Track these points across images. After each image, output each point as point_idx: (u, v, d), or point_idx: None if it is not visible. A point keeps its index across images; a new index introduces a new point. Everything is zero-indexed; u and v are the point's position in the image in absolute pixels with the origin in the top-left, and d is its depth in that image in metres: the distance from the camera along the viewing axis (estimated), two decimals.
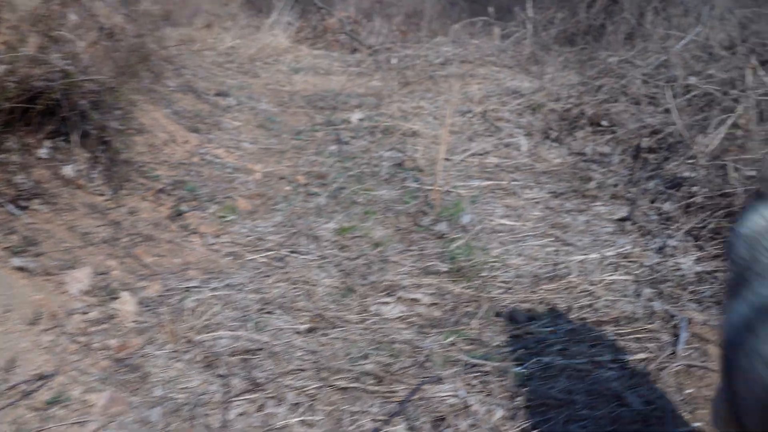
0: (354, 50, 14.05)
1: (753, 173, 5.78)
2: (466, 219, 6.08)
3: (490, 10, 14.11)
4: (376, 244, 5.68)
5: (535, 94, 9.34)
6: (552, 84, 9.54)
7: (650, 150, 7.35)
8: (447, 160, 7.47)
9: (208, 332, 4.42)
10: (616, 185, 6.74)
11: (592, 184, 6.80)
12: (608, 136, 7.79)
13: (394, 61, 10.31)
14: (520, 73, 10.94)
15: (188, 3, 20.50)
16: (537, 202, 6.54)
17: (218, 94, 9.29)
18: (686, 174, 6.17)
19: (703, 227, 5.54)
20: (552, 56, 11.61)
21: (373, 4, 21.69)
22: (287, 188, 6.67)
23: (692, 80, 8.40)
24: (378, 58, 12.48)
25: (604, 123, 8.08)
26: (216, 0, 23.60)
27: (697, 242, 5.47)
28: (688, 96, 8.05)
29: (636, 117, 7.95)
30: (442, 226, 5.98)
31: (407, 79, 10.99)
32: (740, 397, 2.23)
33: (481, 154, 7.82)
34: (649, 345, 4.37)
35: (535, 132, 8.34)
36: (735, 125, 6.39)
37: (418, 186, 6.72)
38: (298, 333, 4.51)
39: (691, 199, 5.86)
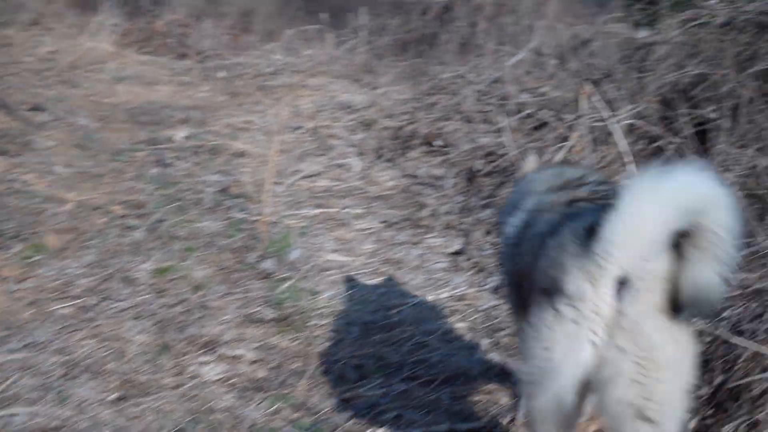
0: (183, 56, 13.39)
1: None
2: (294, 255, 5.66)
3: (323, 16, 13.70)
4: (197, 287, 5.18)
5: (368, 110, 8.99)
6: (385, 98, 9.21)
7: (484, 174, 7.08)
8: (276, 183, 7.03)
9: (1, 408, 3.86)
10: (449, 213, 6.43)
11: (426, 212, 6.47)
12: (441, 158, 7.49)
13: (222, 73, 9.75)
14: (353, 85, 10.57)
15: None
16: (369, 234, 6.17)
17: (33, 109, 8.56)
18: None
19: None
20: (385, 67, 11.30)
21: (205, 4, 20.98)
22: (102, 220, 6.07)
23: (525, 97, 8.20)
24: (207, 66, 11.91)
25: (438, 143, 7.78)
26: None
27: None
28: (521, 115, 7.83)
29: (470, 137, 7.68)
30: (268, 264, 5.54)
31: (237, 89, 10.49)
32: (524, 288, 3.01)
33: (311, 176, 7.41)
34: (487, 409, 4.04)
35: (368, 151, 7.97)
36: (570, 150, 6.15)
37: (244, 216, 6.25)
38: (105, 404, 3.99)
39: None
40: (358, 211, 6.60)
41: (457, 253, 5.76)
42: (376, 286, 5.29)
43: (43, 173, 6.80)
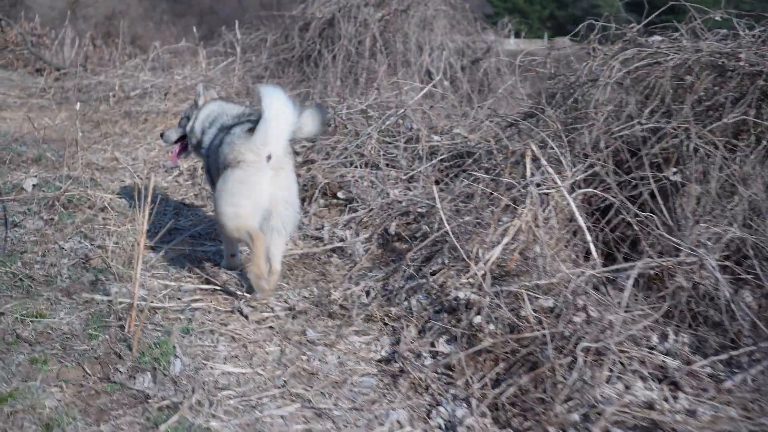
0: (39, 71, 11.59)
1: (551, 304, 4.20)
2: (177, 367, 4.14)
3: (195, 31, 12.08)
4: (48, 425, 3.61)
5: None
6: None
7: (401, 239, 5.69)
8: (151, 249, 5.50)
9: None
10: (367, 293, 5.02)
11: (338, 294, 5.02)
12: (348, 216, 6.05)
13: (82, 96, 8.07)
14: None
15: None
16: (270, 327, 4.68)
17: None
18: (461, 294, 4.49)
19: (501, 392, 3.88)
20: None
21: (64, 12, 19.07)
22: None
23: (436, 139, 6.86)
24: (65, 85, 10.16)
25: (341, 195, 6.35)
26: None
27: (497, 414, 3.81)
28: (435, 161, 6.49)
29: (378, 188, 6.28)
30: (144, 381, 4.00)
31: (100, 116, 8.82)
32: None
33: (191, 237, 5.88)
34: None
35: None
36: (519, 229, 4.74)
37: (109, 304, 4.68)
38: None
39: (477, 339, 4.19)
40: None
41: (388, 360, 4.34)
42: (289, 419, 3.81)
43: None
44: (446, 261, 4.91)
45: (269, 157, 4.51)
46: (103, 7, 24.71)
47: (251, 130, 4.53)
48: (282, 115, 4.45)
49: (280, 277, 4.89)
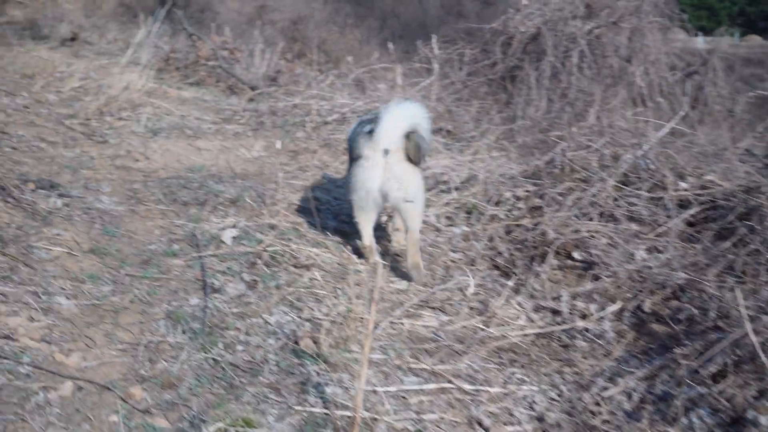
0: (230, 89, 11.05)
1: None
2: None
3: (390, 45, 11.30)
4: None
5: (466, 188, 6.57)
6: (486, 171, 6.74)
7: (660, 320, 4.67)
8: (362, 318, 4.67)
9: None
10: (629, 396, 4.03)
11: (590, 397, 4.04)
12: (591, 285, 5.06)
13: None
14: (435, 143, 8.12)
15: (55, 5, 17.13)
16: None
17: (40, 187, 6.22)
18: (763, 419, 3.44)
19: None
20: (471, 115, 8.84)
21: (251, 17, 18.83)
22: (113, 419, 3.71)
23: (684, 186, 5.79)
24: (260, 108, 9.51)
25: (578, 256, 5.36)
26: (86, 4, 20.15)
27: None
28: (686, 215, 5.42)
29: (622, 249, 5.26)
30: None
31: (297, 145, 8.11)
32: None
33: (413, 308, 5.01)
34: None
35: (480, 259, 5.58)
36: None
37: (325, 408, 3.87)
38: None
39: None
40: (494, 389, 4.18)
41: None
42: None
43: (36, 314, 4.45)
44: (729, 362, 3.87)
45: (386, 151, 5.15)
46: (289, 11, 24.36)
47: (371, 132, 5.21)
48: (394, 120, 5.15)
49: (416, 245, 5.37)
